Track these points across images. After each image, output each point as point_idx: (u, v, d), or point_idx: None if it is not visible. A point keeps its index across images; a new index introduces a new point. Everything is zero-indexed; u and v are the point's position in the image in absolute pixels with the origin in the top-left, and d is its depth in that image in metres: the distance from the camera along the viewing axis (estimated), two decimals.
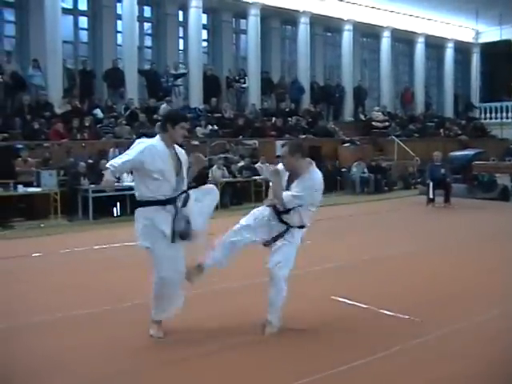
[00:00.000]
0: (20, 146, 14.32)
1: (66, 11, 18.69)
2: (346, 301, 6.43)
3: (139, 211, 5.27)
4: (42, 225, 12.51)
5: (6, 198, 12.78)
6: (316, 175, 5.52)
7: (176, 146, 5.40)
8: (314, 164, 5.58)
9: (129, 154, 5.20)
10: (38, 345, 5.16)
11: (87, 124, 16.44)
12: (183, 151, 5.49)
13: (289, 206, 5.39)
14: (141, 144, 5.25)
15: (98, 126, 16.95)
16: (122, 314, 6.09)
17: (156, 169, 5.13)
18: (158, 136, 5.32)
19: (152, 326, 5.38)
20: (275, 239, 5.48)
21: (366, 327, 5.64)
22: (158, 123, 6.02)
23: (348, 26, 24.72)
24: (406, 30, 26.64)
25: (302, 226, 5.58)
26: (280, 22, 23.93)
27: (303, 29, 23.37)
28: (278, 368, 4.69)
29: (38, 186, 13.26)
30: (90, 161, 14.71)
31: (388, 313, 5.97)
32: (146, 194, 5.22)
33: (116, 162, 5.22)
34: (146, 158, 5.12)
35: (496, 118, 29.49)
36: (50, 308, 6.28)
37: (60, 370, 4.64)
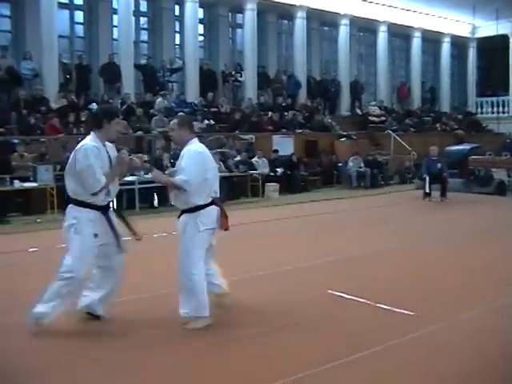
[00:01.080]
0: (16, 141, 14.30)
1: (61, 5, 18.62)
2: (343, 295, 6.44)
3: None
4: (39, 220, 12.48)
5: (3, 192, 12.74)
6: (194, 153, 5.40)
7: (106, 143, 5.28)
8: (196, 140, 5.51)
9: (93, 163, 5.10)
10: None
11: (83, 119, 16.41)
12: (113, 147, 5.41)
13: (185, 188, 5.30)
14: (87, 149, 5.11)
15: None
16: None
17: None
18: (91, 134, 5.20)
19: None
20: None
21: (363, 321, 5.65)
22: (94, 119, 6.17)
23: (344, 21, 24.67)
24: (402, 25, 26.63)
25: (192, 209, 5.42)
26: (276, 16, 23.91)
27: (300, 23, 23.33)
28: (273, 362, 4.68)
29: (35, 180, 13.22)
30: None
31: (384, 307, 5.98)
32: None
33: (100, 178, 5.14)
34: (97, 160, 5.11)
35: (492, 113, 29.54)
36: None
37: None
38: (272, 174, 17.67)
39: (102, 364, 4.63)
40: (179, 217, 5.47)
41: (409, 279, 7.21)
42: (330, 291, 6.58)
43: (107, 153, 5.20)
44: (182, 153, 5.45)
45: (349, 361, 4.65)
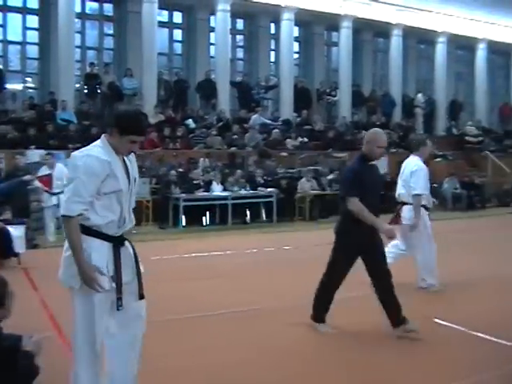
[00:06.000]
0: None
1: (161, 24, 19.22)
2: (447, 323, 6.19)
3: None
4: (134, 231, 12.78)
5: None
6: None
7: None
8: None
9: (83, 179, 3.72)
10: None
11: (179, 134, 16.80)
12: (133, 159, 4.06)
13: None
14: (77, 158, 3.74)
15: (190, 135, 17.26)
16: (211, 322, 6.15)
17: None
18: (102, 139, 3.83)
19: None
20: None
21: (463, 350, 5.43)
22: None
23: (442, 38, 24.18)
24: (502, 42, 25.79)
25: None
26: (372, 34, 23.75)
27: (396, 41, 23.04)
28: None
29: None
30: (181, 170, 15.02)
31: (483, 336, 5.72)
32: None
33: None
34: (92, 177, 3.72)
35: None
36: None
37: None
38: None
39: None
40: None
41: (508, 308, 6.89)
42: (436, 320, 6.34)
43: (125, 166, 3.88)
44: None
45: None
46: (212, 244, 11.71)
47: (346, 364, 5.03)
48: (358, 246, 5.63)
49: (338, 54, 22.39)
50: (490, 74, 26.76)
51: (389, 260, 8.03)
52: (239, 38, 21.80)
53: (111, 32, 19.30)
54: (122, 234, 3.85)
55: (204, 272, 8.88)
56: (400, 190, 7.65)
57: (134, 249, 3.93)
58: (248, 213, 14.96)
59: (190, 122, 17.83)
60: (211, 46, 20.40)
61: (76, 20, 17.70)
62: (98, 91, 17.55)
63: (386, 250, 8.12)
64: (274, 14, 20.76)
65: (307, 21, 21.84)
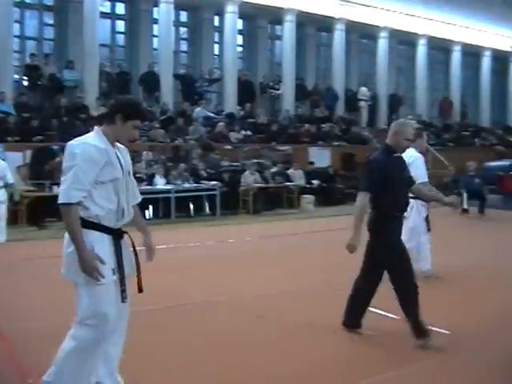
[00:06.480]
0: (56, 147, 14.50)
1: (103, 15, 18.95)
2: (383, 313, 6.32)
3: None
4: None
5: (41, 198, 12.95)
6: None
7: (117, 144, 3.96)
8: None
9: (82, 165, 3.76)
10: None
11: None
12: (126, 151, 4.05)
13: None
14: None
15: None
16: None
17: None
18: (96, 130, 3.92)
19: None
20: None
21: (398, 338, 5.56)
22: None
23: (384, 34, 24.56)
24: (442, 38, 26.36)
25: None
26: (315, 28, 23.94)
27: (339, 35, 23.28)
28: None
29: None
30: None
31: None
32: None
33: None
34: (92, 165, 3.76)
35: None
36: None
37: None
38: (308, 185, 17.63)
39: None
40: None
41: (442, 298, 7.07)
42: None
43: (117, 157, 3.87)
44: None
45: (384, 378, 4.61)
46: (155, 238, 11.54)
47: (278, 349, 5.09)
48: (389, 244, 5.34)
49: (282, 47, 22.51)
50: (430, 69, 27.34)
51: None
52: (183, 30, 21.67)
53: (52, 22, 18.90)
54: (121, 228, 3.89)
55: (145, 266, 8.80)
56: None
57: (133, 243, 3.98)
58: (191, 206, 14.93)
59: None
60: (154, 38, 20.22)
61: (15, 9, 17.33)
62: (39, 83, 17.18)
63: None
64: (218, 6, 20.73)
65: (251, 14, 21.85)
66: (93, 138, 3.82)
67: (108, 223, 3.77)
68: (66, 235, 3.74)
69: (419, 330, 5.19)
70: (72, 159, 3.69)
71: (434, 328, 5.30)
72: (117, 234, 3.84)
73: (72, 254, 3.67)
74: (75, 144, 3.78)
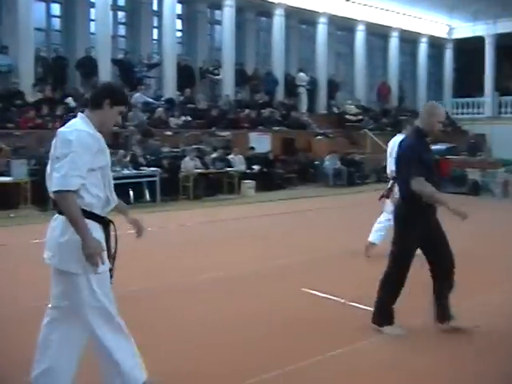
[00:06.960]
0: None
1: None
2: (317, 293, 6.46)
3: None
4: (12, 215, 12.35)
5: None
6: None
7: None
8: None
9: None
10: None
11: (59, 113, 16.25)
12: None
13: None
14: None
15: (70, 114, 16.73)
16: None
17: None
18: (80, 116, 3.79)
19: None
20: None
21: (337, 320, 5.67)
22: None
23: (323, 19, 24.70)
24: (380, 24, 26.70)
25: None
26: (255, 13, 23.90)
27: (278, 21, 23.30)
28: (242, 363, 4.67)
29: (9, 175, 13.07)
30: None
31: (358, 306, 6.00)
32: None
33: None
34: (88, 152, 3.69)
35: (467, 114, 29.81)
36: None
37: None
38: (248, 171, 17.67)
39: None
40: None
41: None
42: (303, 289, 6.60)
43: None
44: None
45: (319, 360, 4.68)
46: None
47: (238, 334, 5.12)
48: (422, 233, 5.19)
49: (222, 32, 22.38)
50: (368, 55, 27.71)
51: (382, 232, 8.23)
52: (121, 14, 21.27)
53: None
54: (106, 216, 3.83)
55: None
56: (392, 167, 7.57)
57: (115, 229, 3.92)
58: (131, 193, 14.74)
59: (69, 100, 17.26)
60: (91, 22, 19.77)
61: None
62: None
63: (377, 223, 8.32)
64: None
65: None
66: (83, 125, 3.71)
67: (98, 211, 3.72)
68: (53, 224, 3.70)
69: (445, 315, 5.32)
70: (67, 146, 3.59)
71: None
72: (104, 222, 3.79)
73: (68, 243, 3.59)
74: (68, 131, 3.66)
